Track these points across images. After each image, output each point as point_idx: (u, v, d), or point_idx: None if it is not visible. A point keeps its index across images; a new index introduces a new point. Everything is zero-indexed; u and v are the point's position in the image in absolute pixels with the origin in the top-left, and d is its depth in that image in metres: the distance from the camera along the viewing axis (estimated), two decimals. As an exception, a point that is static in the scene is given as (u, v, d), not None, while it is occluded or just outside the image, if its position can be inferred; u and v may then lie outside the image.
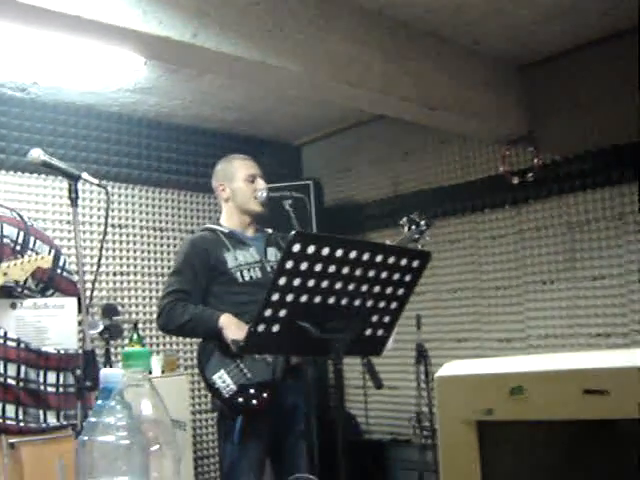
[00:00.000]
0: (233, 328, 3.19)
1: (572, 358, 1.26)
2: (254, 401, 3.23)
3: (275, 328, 2.35)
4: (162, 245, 5.66)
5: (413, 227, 3.56)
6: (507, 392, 1.23)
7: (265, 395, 3.23)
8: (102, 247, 3.54)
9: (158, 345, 5.46)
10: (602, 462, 1.28)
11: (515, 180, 4.97)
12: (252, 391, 3.23)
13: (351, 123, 6.01)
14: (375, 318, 2.52)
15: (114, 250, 5.39)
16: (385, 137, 5.93)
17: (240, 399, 3.22)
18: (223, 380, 3.23)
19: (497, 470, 1.30)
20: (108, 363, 4.73)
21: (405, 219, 3.55)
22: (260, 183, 3.55)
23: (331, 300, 2.35)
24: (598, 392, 1.17)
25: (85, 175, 2.77)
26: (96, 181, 2.86)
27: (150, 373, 4.79)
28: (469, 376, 1.29)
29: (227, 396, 3.22)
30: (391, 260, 2.41)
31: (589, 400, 1.18)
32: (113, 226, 5.38)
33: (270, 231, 3.63)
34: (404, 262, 2.45)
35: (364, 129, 6.04)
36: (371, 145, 6.07)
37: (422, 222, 3.56)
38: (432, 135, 5.53)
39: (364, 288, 2.40)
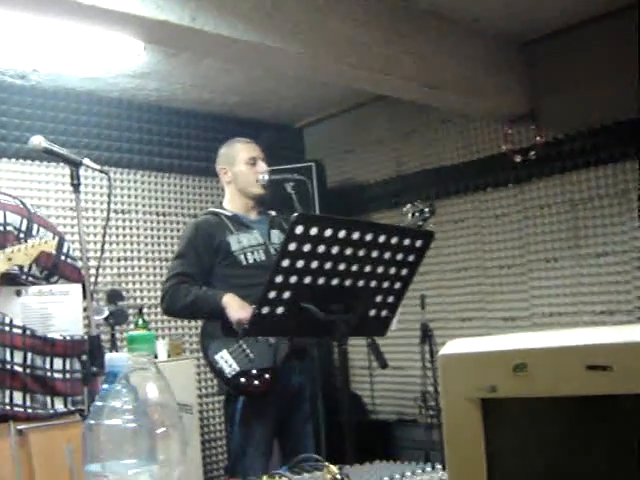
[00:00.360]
0: (236, 307, 3.20)
1: (575, 334, 1.26)
2: (256, 382, 3.25)
3: (279, 310, 2.36)
4: (165, 230, 5.66)
5: (417, 214, 3.55)
6: (510, 369, 1.23)
7: (267, 376, 3.25)
8: (105, 233, 3.56)
9: (163, 330, 5.48)
10: (606, 438, 1.28)
11: (517, 158, 4.96)
12: (254, 372, 3.24)
13: (352, 104, 5.99)
14: (379, 298, 2.52)
15: (117, 236, 5.39)
16: (387, 117, 5.92)
17: (242, 379, 3.24)
18: (226, 360, 3.25)
19: (501, 447, 1.30)
20: (114, 348, 4.74)
21: (409, 206, 3.53)
22: (261, 166, 3.55)
23: (334, 281, 2.36)
24: (601, 368, 1.17)
25: (87, 161, 2.77)
26: (98, 167, 2.86)
27: (156, 357, 4.80)
28: (472, 354, 1.29)
29: (229, 376, 3.24)
30: (394, 240, 2.42)
31: (592, 376, 1.19)
32: (116, 212, 5.39)
33: (273, 213, 3.64)
34: (407, 242, 2.46)
35: (366, 110, 6.03)
36: (373, 126, 6.05)
37: (426, 209, 3.54)
38: (434, 115, 5.51)
39: (367, 269, 2.40)
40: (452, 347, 1.28)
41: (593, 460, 1.29)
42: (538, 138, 4.89)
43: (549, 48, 4.90)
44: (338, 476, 1.51)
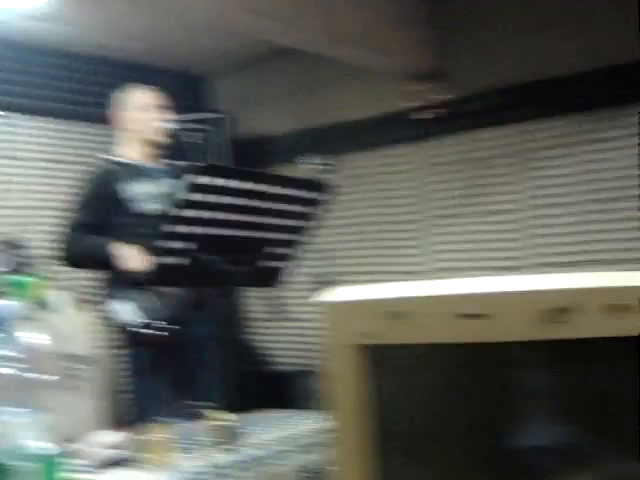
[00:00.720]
0: (127, 255, 3.17)
1: (455, 283, 1.30)
2: (157, 332, 3.23)
3: (177, 260, 2.35)
4: (66, 178, 5.52)
5: (318, 167, 3.55)
6: (391, 316, 1.26)
7: (168, 327, 3.23)
8: (5, 181, 3.44)
9: (67, 281, 5.37)
10: (487, 386, 1.33)
11: (421, 115, 5.02)
12: (155, 323, 3.22)
13: (262, 56, 5.92)
14: (272, 250, 2.54)
15: (18, 183, 5.24)
16: (295, 70, 5.88)
17: (143, 330, 3.21)
18: (127, 311, 3.22)
19: (385, 394, 1.34)
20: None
21: (310, 159, 3.54)
22: (162, 114, 3.49)
23: (230, 232, 2.36)
24: (478, 316, 1.21)
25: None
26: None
27: (48, 306, 4.73)
28: (353, 301, 1.32)
29: (130, 327, 3.22)
30: (288, 191, 2.44)
31: (469, 324, 1.23)
32: (16, 159, 5.23)
33: (174, 162, 3.58)
34: (301, 193, 2.48)
35: (275, 62, 5.97)
36: (282, 78, 6.01)
37: (327, 162, 3.56)
38: (341, 69, 5.49)
39: (262, 220, 2.41)
40: (334, 295, 1.31)
41: (476, 408, 1.33)
42: (442, 96, 4.95)
43: (458, 7, 4.94)
44: (222, 422, 1.53)
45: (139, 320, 3.21)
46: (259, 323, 5.95)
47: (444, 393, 1.31)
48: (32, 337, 1.48)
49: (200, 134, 3.54)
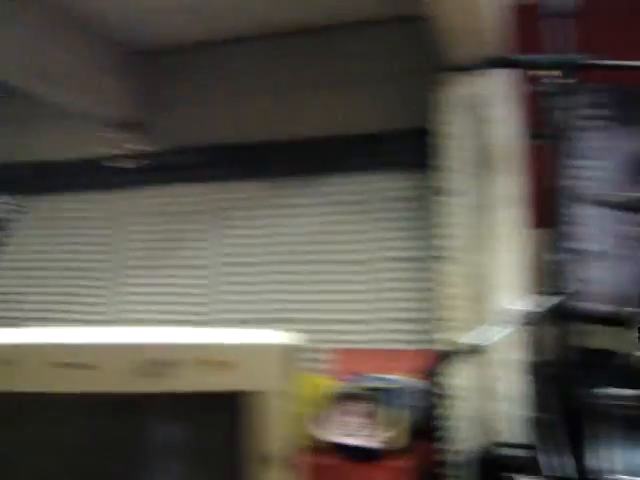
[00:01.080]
0: None
1: (62, 332, 1.32)
2: None
3: None
4: None
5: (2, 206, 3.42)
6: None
7: None
8: None
9: None
10: (93, 437, 1.34)
11: (120, 164, 5.02)
12: None
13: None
14: None
15: None
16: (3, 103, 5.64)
17: None
18: None
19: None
20: None
21: None
22: None
23: None
24: (78, 366, 1.23)
25: None
26: None
27: None
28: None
29: None
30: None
31: (71, 374, 1.24)
32: None
33: None
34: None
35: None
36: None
37: (8, 201, 3.43)
38: (43, 107, 5.30)
39: None
40: None
41: (81, 460, 1.34)
42: (144, 147, 4.98)
43: (169, 61, 5.01)
44: None
45: None
46: None
47: (50, 444, 1.30)
48: None
49: None
